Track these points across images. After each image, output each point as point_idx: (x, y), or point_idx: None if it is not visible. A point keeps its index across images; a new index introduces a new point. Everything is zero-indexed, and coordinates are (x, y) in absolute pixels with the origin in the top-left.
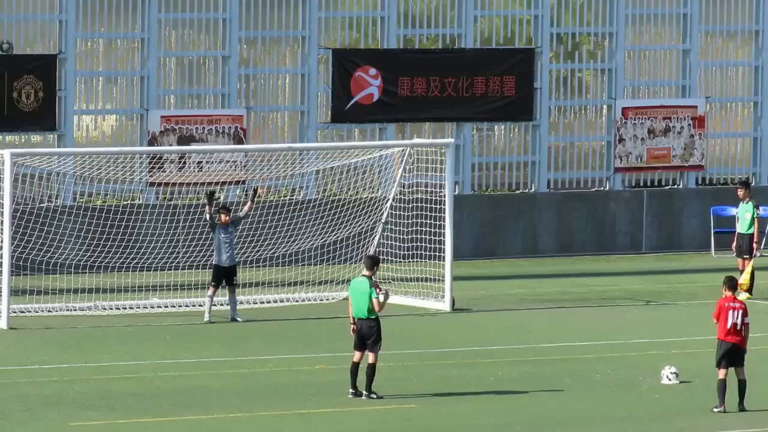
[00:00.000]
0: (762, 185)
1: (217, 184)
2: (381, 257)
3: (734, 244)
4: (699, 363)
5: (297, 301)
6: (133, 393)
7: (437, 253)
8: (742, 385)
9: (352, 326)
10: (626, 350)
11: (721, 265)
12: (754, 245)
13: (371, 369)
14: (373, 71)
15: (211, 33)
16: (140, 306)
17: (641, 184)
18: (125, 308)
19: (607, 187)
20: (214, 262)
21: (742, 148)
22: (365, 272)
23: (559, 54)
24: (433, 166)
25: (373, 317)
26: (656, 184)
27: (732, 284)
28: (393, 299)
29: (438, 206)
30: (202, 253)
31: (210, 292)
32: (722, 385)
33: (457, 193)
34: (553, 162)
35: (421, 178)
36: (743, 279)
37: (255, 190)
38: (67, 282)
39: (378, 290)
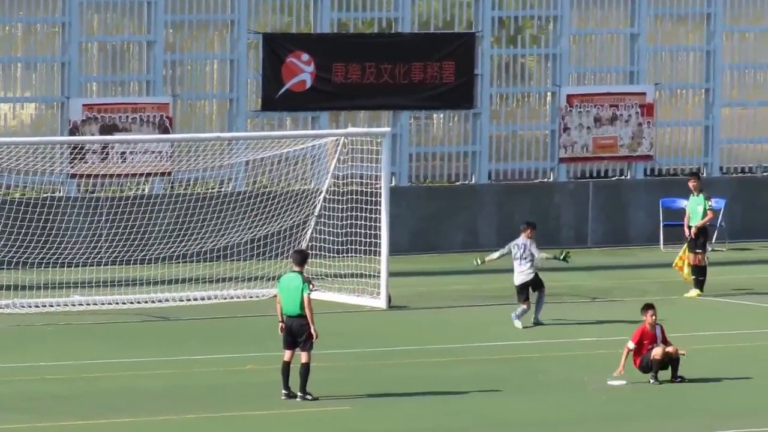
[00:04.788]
0: (714, 176)
1: (141, 175)
2: (314, 252)
3: (686, 231)
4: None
5: (226, 299)
6: (56, 395)
7: (373, 248)
8: (675, 362)
9: (280, 324)
10: (573, 349)
11: (671, 259)
12: (688, 230)
13: (304, 369)
14: (305, 57)
15: (135, 16)
16: (61, 304)
17: (587, 175)
18: (45, 306)
19: (551, 179)
20: None
21: (693, 137)
22: (295, 268)
23: (500, 39)
24: (369, 156)
25: (305, 314)
26: (603, 175)
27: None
28: (326, 296)
29: (374, 199)
30: (125, 248)
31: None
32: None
33: (393, 184)
34: (495, 152)
35: (355, 169)
36: (685, 273)
37: None
38: None
39: (311, 286)
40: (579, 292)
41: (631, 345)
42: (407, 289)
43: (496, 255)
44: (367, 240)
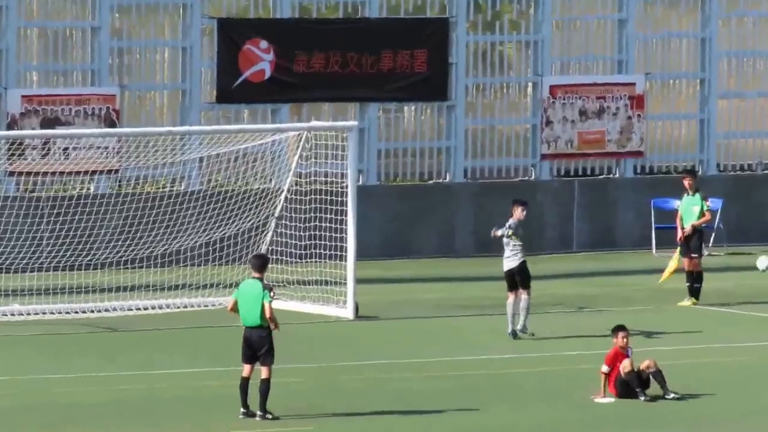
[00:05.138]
0: (711, 174)
1: (86, 173)
2: (275, 257)
3: (678, 236)
4: None
5: (178, 308)
6: None
7: (339, 253)
8: (657, 376)
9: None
10: (555, 363)
11: (663, 265)
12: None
13: (265, 385)
14: (264, 44)
15: (78, 0)
16: None
17: (572, 173)
18: None
19: (533, 177)
20: None
21: (687, 131)
22: (255, 274)
23: (477, 24)
24: (334, 152)
25: (266, 325)
26: (589, 173)
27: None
28: (288, 305)
29: (339, 198)
30: (69, 253)
31: None
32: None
33: (361, 183)
34: (471, 148)
35: (320, 166)
36: (667, 272)
37: None
38: None
39: (272, 294)
40: (562, 300)
41: (605, 368)
42: (376, 297)
43: (499, 232)
44: (333, 244)
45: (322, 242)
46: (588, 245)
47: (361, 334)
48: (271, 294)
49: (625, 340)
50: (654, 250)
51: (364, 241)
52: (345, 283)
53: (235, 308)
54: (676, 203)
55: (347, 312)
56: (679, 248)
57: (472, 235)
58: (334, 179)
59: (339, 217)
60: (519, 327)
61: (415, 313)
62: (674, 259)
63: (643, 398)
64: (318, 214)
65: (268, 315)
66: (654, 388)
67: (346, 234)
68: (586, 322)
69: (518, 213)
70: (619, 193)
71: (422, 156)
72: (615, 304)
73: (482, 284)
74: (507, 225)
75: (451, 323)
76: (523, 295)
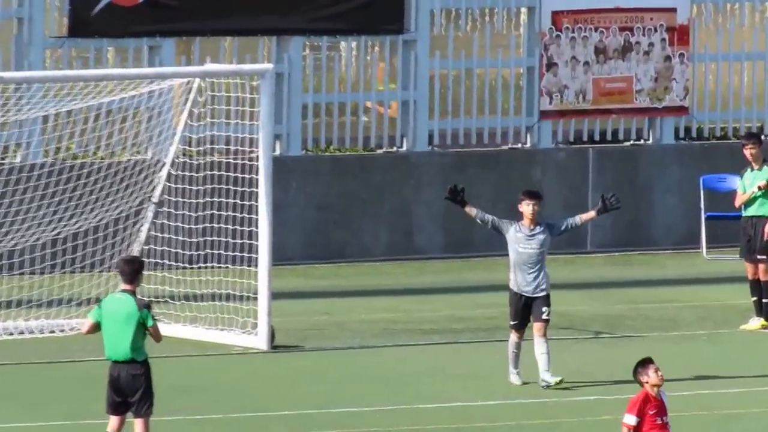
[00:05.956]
0: None
1: None
2: (152, 260)
3: (742, 237)
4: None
5: (11, 334)
6: None
7: (246, 255)
8: None
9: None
10: (563, 413)
11: (717, 271)
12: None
13: None
14: None
15: None
16: None
17: (585, 138)
18: None
19: (529, 144)
20: None
21: (752, 78)
22: (124, 285)
23: None
24: (240, 109)
25: (141, 359)
26: (609, 138)
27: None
28: (176, 331)
29: (248, 176)
30: None
31: None
32: None
33: (278, 153)
34: (440, 103)
35: (218, 129)
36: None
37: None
38: None
39: (152, 314)
40: (572, 323)
41: (631, 420)
42: (299, 318)
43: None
44: (238, 242)
45: (222, 239)
46: (609, 243)
47: (279, 371)
48: (152, 314)
49: (660, 376)
50: (704, 250)
51: (284, 238)
52: (255, 298)
53: (93, 332)
54: (735, 181)
55: (259, 340)
56: (740, 249)
57: (439, 228)
58: (239, 148)
59: (246, 203)
60: (544, 381)
61: (351, 341)
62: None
63: None
64: (216, 199)
65: (157, 339)
66: None
67: (256, 228)
68: (605, 354)
69: (526, 210)
70: (653, 168)
71: (368, 114)
72: (648, 327)
73: (453, 298)
74: (513, 229)
75: (408, 355)
76: (539, 335)
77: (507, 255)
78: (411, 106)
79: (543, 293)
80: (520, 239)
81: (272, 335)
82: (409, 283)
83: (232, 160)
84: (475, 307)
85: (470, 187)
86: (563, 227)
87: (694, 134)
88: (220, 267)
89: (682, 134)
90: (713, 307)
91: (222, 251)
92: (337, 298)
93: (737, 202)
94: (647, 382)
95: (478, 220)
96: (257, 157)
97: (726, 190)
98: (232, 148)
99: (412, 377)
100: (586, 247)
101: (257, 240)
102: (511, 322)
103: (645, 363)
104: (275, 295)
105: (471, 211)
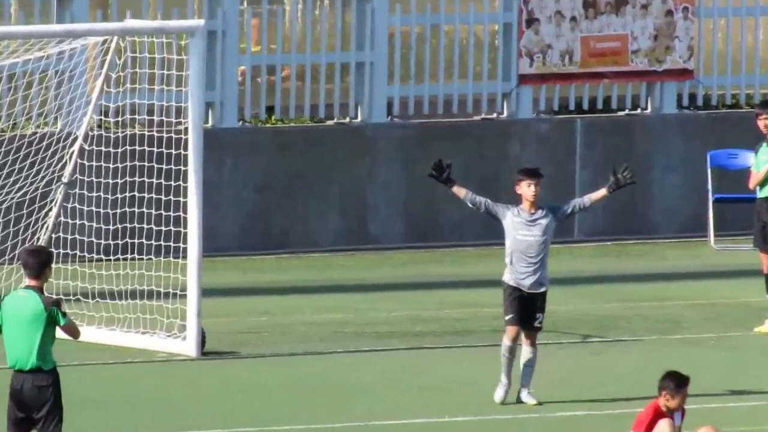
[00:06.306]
0: None
1: None
2: (62, 251)
3: (757, 223)
4: None
5: None
6: None
7: (173, 244)
8: None
9: None
10: (546, 431)
11: (728, 264)
12: None
13: None
14: None
15: None
16: None
17: (572, 106)
18: None
19: (506, 113)
20: None
21: (767, 37)
22: (29, 281)
23: None
24: (166, 73)
25: (48, 368)
26: (600, 107)
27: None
28: (89, 335)
29: (175, 152)
30: None
31: None
32: None
33: (210, 125)
34: (401, 65)
35: (140, 96)
36: None
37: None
38: None
39: (63, 310)
40: (558, 325)
41: None
42: (235, 320)
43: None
44: (162, 229)
45: (144, 226)
46: (599, 230)
47: (210, 382)
48: (62, 311)
49: (683, 398)
50: (712, 238)
51: (216, 224)
52: (183, 296)
53: None
54: (748, 158)
55: (187, 345)
56: (753, 238)
57: (399, 213)
58: (164, 119)
59: (173, 184)
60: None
61: (295, 347)
62: None
63: None
64: (137, 179)
65: (75, 335)
66: None
67: (184, 213)
68: (595, 362)
69: (526, 192)
70: (652, 142)
71: (316, 79)
72: (646, 330)
73: (415, 295)
74: (511, 213)
75: (361, 363)
76: (528, 344)
77: (480, 245)
78: (367, 69)
79: (542, 289)
80: (519, 225)
81: (203, 339)
82: (363, 278)
83: (156, 134)
84: (441, 307)
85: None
86: (569, 210)
87: (700, 102)
88: (141, 259)
89: (685, 102)
90: (723, 306)
91: (144, 240)
92: (278, 296)
93: (751, 183)
94: (667, 401)
95: (468, 203)
96: (186, 129)
97: (737, 167)
98: (156, 118)
99: (366, 389)
100: (572, 235)
101: (185, 227)
102: (506, 317)
103: (682, 382)
104: (207, 292)
105: (460, 191)
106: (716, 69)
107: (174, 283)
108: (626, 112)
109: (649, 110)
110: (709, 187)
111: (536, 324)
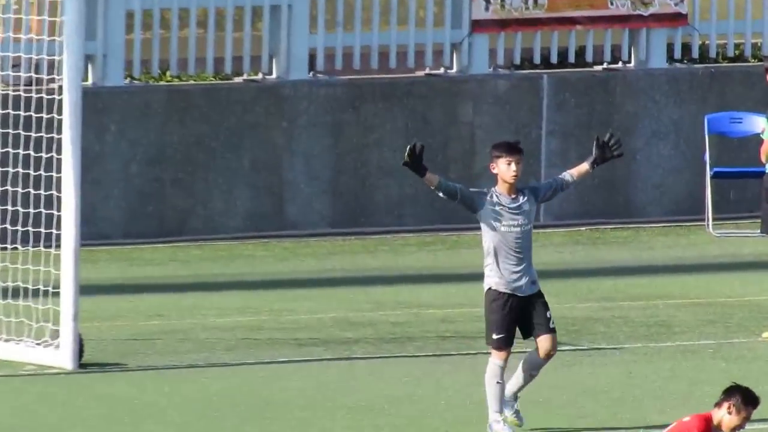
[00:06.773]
0: None
1: None
2: None
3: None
4: None
5: None
6: None
7: (44, 230)
8: None
9: None
10: None
11: (729, 254)
12: None
13: None
14: None
15: None
16: None
17: (537, 60)
18: None
19: (456, 68)
20: None
21: None
22: None
23: None
24: (35, 18)
25: None
26: (572, 60)
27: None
28: None
29: (47, 116)
30: None
31: None
32: None
33: (91, 83)
34: (326, 9)
35: (4, 49)
36: None
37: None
38: None
39: None
40: None
41: None
42: (120, 324)
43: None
44: (31, 212)
45: (9, 208)
46: (572, 213)
47: (89, 401)
48: None
49: (743, 422)
50: (710, 222)
51: (97, 206)
52: (57, 295)
53: None
54: (757, 123)
55: (61, 355)
56: (761, 222)
57: (324, 193)
58: (33, 76)
59: (44, 156)
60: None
61: (200, 357)
62: None
63: None
64: (5, 150)
65: None
66: None
67: (59, 191)
68: (567, 375)
69: (505, 172)
70: (636, 103)
71: (221, 27)
72: (629, 336)
73: (342, 294)
74: (488, 201)
75: (276, 376)
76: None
77: (422, 231)
78: (284, 13)
79: (538, 288)
80: (502, 214)
81: (80, 348)
82: (279, 271)
83: (23, 94)
84: (376, 308)
85: (369, 131)
86: (550, 191)
87: (695, 54)
88: (5, 249)
89: (677, 54)
90: (723, 306)
91: (8, 226)
92: (174, 294)
93: (763, 154)
94: (730, 413)
95: (441, 193)
96: (60, 88)
97: (742, 134)
98: (23, 75)
99: (282, 408)
100: (539, 219)
101: (60, 209)
102: (495, 337)
103: (753, 400)
104: (86, 290)
105: (432, 179)
106: (715, 13)
107: (45, 279)
108: (604, 66)
109: (632, 64)
110: (707, 158)
111: (552, 325)
